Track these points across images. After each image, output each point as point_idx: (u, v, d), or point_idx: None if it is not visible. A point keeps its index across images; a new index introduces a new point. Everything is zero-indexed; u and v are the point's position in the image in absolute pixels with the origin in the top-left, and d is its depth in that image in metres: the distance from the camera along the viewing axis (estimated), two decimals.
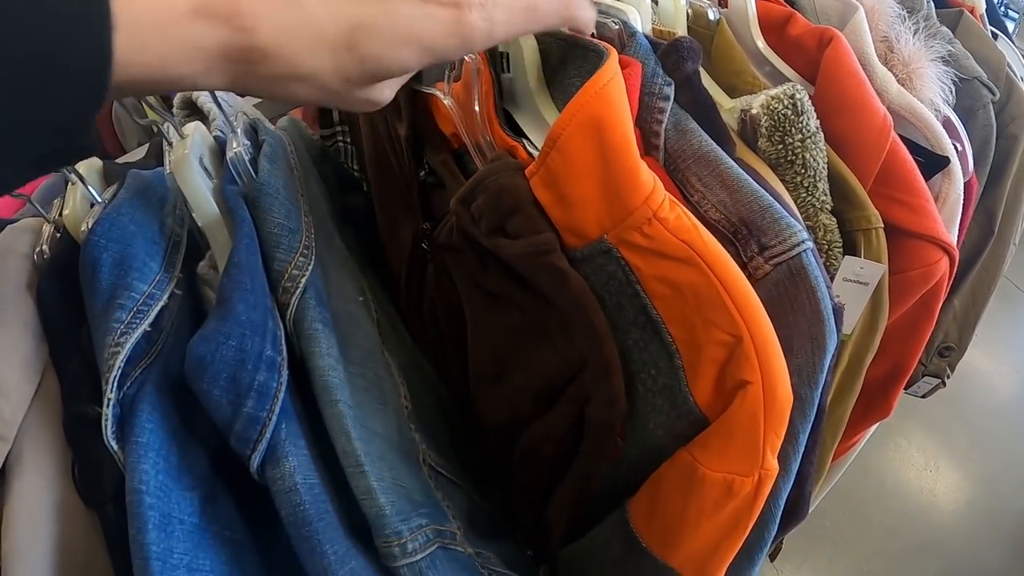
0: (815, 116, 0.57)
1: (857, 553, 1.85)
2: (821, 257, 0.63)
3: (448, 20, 0.31)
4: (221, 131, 0.48)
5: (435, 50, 0.32)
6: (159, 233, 0.43)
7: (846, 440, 0.87)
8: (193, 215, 0.44)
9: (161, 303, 0.41)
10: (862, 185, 0.64)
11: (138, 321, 0.39)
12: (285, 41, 0.29)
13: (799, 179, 0.58)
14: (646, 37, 0.54)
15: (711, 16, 0.71)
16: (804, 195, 0.59)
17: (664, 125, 0.51)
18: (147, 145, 0.59)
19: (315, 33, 0.29)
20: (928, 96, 0.75)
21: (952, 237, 0.78)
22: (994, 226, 0.97)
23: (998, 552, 1.94)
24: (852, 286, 0.66)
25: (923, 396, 1.20)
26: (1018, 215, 0.97)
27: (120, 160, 0.53)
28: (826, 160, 0.59)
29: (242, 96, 0.46)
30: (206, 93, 0.51)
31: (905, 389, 1.25)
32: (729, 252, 0.48)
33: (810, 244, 0.46)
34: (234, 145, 0.44)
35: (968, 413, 2.20)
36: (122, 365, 0.38)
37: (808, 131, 0.56)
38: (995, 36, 1.02)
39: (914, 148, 0.74)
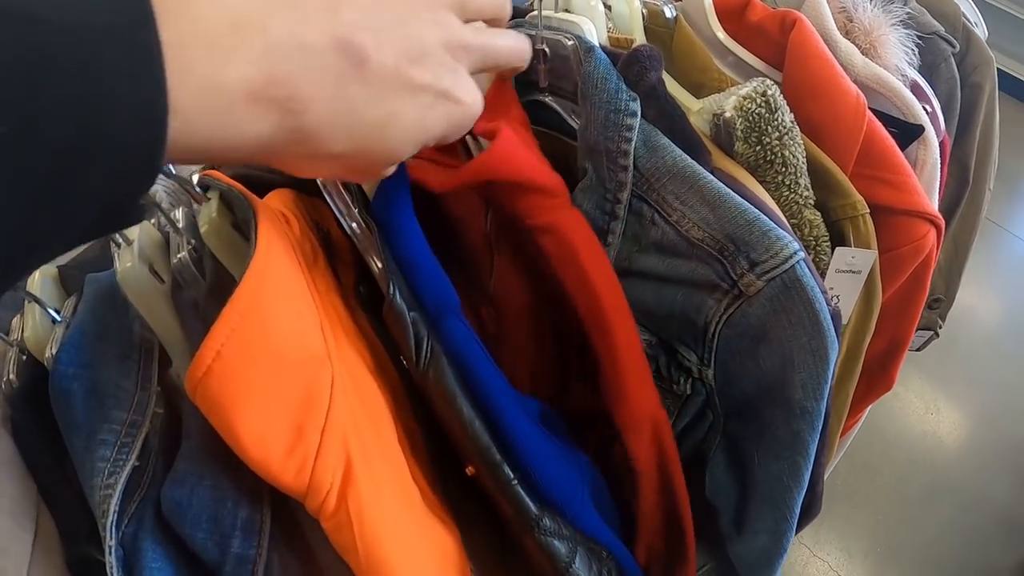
0: (788, 110, 0.55)
1: (871, 507, 1.86)
2: (810, 254, 0.61)
3: (456, 114, 0.33)
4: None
5: (441, 139, 0.34)
6: (128, 344, 0.41)
7: (851, 417, 0.87)
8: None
9: (145, 430, 0.38)
10: (842, 169, 0.62)
11: (124, 456, 0.36)
12: (327, 125, 0.29)
13: (780, 178, 0.56)
14: (604, 49, 0.51)
15: (668, 14, 0.68)
16: (787, 193, 0.57)
17: (633, 144, 0.49)
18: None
19: (355, 121, 0.29)
20: (893, 62, 0.73)
21: (934, 204, 0.76)
22: (968, 176, 0.96)
23: (1005, 484, 1.96)
24: (845, 276, 0.65)
25: (918, 349, 1.19)
26: (991, 161, 0.96)
27: (74, 260, 0.49)
28: (804, 153, 0.57)
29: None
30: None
31: None
32: (716, 270, 0.47)
33: (802, 254, 0.44)
34: (178, 251, 0.40)
35: (960, 352, 2.21)
36: (117, 508, 0.35)
37: (784, 127, 0.54)
38: None
39: (887, 120, 0.73)
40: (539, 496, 0.41)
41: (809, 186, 0.58)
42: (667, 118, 0.50)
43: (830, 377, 0.47)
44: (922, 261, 0.71)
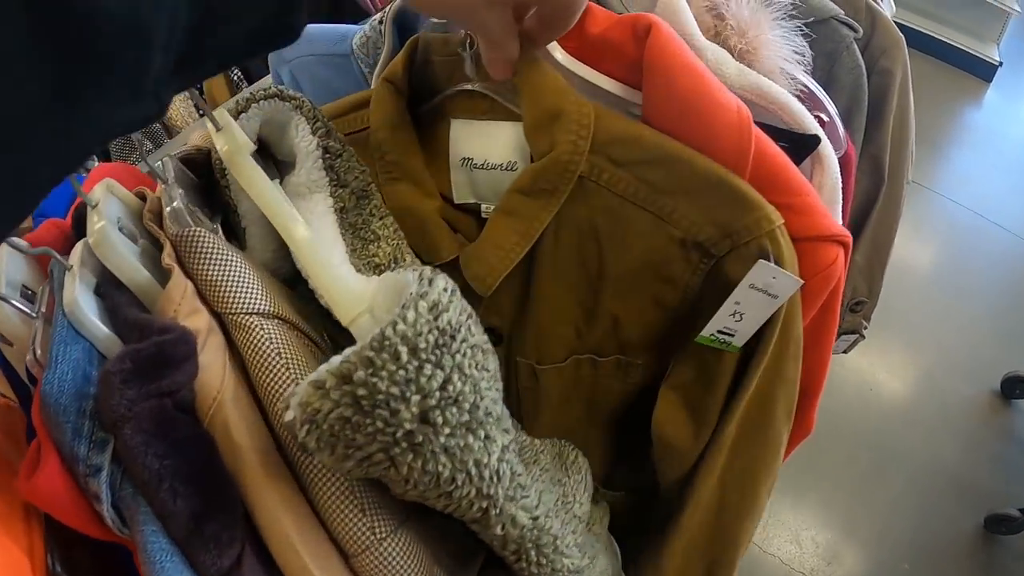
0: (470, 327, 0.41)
1: (818, 491, 1.81)
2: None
3: None
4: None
5: None
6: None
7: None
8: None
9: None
10: None
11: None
12: None
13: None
14: None
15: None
16: None
17: None
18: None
19: None
20: (776, 66, 0.62)
21: (839, 220, 0.65)
22: (883, 172, 0.86)
23: (954, 446, 1.93)
24: (759, 296, 0.53)
25: (844, 351, 1.10)
26: (906, 152, 0.86)
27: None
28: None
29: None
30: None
31: None
32: None
33: None
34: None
35: (895, 320, 2.16)
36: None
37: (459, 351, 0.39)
38: None
39: (775, 133, 0.61)
40: None
41: None
42: None
43: None
44: (834, 288, 0.60)
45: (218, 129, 0.47)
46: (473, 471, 0.39)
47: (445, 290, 0.38)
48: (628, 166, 0.53)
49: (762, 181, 0.54)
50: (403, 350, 0.34)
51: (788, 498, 1.77)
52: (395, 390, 0.34)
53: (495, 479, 0.41)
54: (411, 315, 0.35)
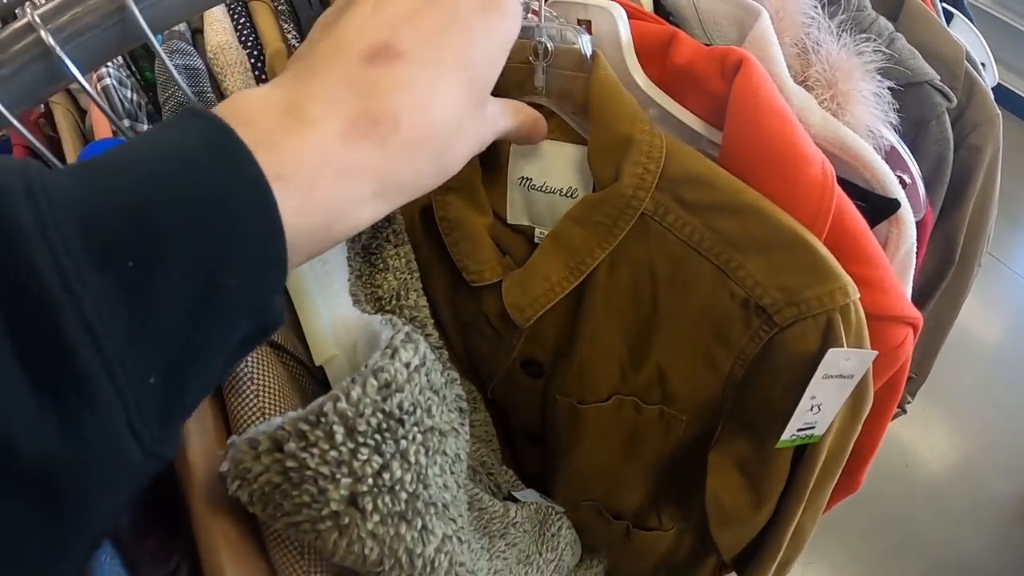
0: (430, 408, 0.38)
1: (833, 559, 1.74)
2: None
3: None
4: None
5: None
6: None
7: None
8: None
9: None
10: None
11: None
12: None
13: None
14: None
15: (586, 49, 0.50)
16: None
17: None
18: None
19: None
20: (864, 121, 0.59)
21: (908, 294, 0.62)
22: (954, 254, 0.81)
23: (979, 543, 1.84)
24: (833, 383, 0.50)
25: None
26: (983, 238, 0.82)
27: None
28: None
29: None
30: None
31: None
32: None
33: None
34: None
35: (945, 399, 2.08)
36: None
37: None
38: (949, 18, 0.86)
39: (853, 191, 0.58)
40: None
41: None
42: None
43: None
44: (899, 368, 0.58)
45: None
46: (404, 559, 0.36)
47: (407, 365, 0.35)
48: (697, 210, 0.49)
49: (837, 246, 0.50)
50: (339, 430, 0.32)
51: (802, 556, 1.70)
52: (325, 469, 0.32)
53: (427, 569, 0.38)
54: (356, 393, 0.33)
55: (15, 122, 0.31)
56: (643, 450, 0.66)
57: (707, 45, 0.55)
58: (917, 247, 0.70)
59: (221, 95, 1.41)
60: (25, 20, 0.30)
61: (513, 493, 0.67)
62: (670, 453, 0.65)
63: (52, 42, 0.30)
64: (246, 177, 0.25)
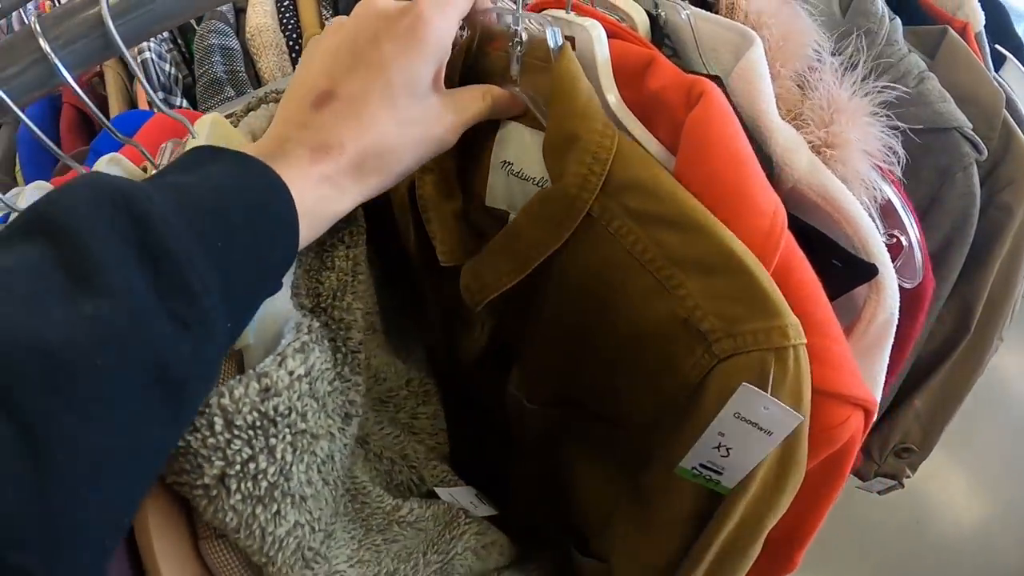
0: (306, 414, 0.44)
1: None
2: None
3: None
4: None
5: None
6: None
7: None
8: None
9: None
10: None
11: None
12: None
13: None
14: None
15: (551, 41, 0.47)
16: None
17: None
18: None
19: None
20: (858, 169, 0.52)
21: (876, 372, 0.55)
22: (970, 323, 0.73)
23: None
24: (747, 429, 0.44)
25: (879, 493, 0.98)
26: (1006, 309, 0.73)
27: None
28: None
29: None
30: None
31: (858, 484, 1.03)
32: None
33: None
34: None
35: (974, 451, 1.95)
36: None
37: None
38: (999, 60, 0.76)
39: (830, 247, 0.52)
40: None
41: None
42: None
43: None
44: (839, 450, 0.51)
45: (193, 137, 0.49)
46: (257, 533, 0.43)
47: (291, 373, 0.42)
48: (642, 220, 0.45)
49: None
50: (218, 422, 0.39)
51: None
52: (203, 451, 0.39)
53: (277, 546, 0.44)
54: (238, 392, 0.39)
55: (72, 83, 0.38)
56: (594, 463, 0.62)
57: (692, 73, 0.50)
58: (914, 317, 0.63)
59: (256, 74, 1.40)
60: None
61: (435, 489, 0.66)
62: (614, 469, 0.61)
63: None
64: (280, 188, 0.38)
